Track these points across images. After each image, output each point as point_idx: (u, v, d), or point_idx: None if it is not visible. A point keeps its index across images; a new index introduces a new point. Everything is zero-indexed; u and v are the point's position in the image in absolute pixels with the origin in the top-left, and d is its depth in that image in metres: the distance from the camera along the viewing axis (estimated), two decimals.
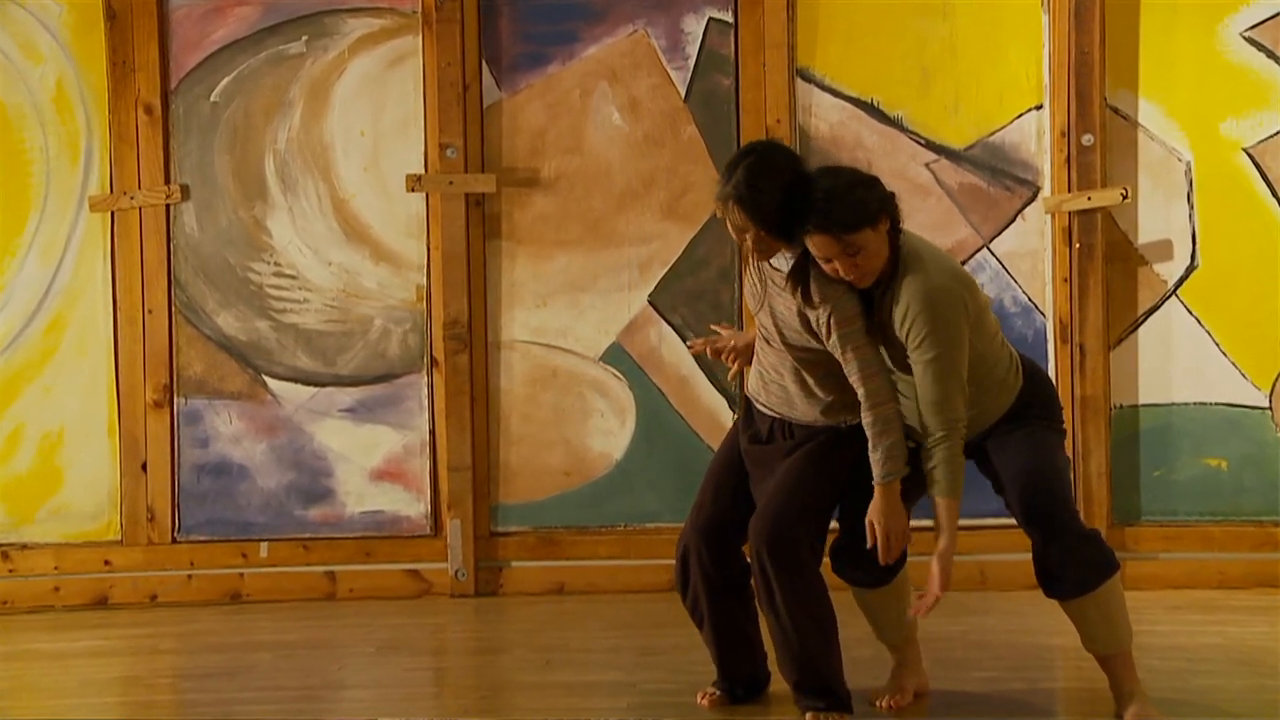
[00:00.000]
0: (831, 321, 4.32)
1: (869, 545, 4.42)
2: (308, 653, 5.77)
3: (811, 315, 4.36)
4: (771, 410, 4.59)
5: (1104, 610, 4.49)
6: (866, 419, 4.37)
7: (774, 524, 4.48)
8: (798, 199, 4.22)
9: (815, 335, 4.39)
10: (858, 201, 4.21)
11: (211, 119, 6.74)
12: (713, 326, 4.93)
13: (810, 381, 4.49)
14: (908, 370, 4.37)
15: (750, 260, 4.50)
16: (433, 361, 6.71)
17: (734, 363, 4.78)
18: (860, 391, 4.37)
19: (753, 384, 4.65)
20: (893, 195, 4.32)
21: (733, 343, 4.78)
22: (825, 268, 4.28)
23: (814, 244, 4.23)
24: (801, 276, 4.34)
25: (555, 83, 6.75)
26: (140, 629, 6.27)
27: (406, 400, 6.74)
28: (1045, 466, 4.48)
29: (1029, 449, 4.49)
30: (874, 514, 4.40)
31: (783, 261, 4.41)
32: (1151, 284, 6.54)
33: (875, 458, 4.37)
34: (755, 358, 4.65)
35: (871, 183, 4.31)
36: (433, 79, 6.66)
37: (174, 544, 6.71)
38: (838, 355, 4.36)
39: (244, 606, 6.64)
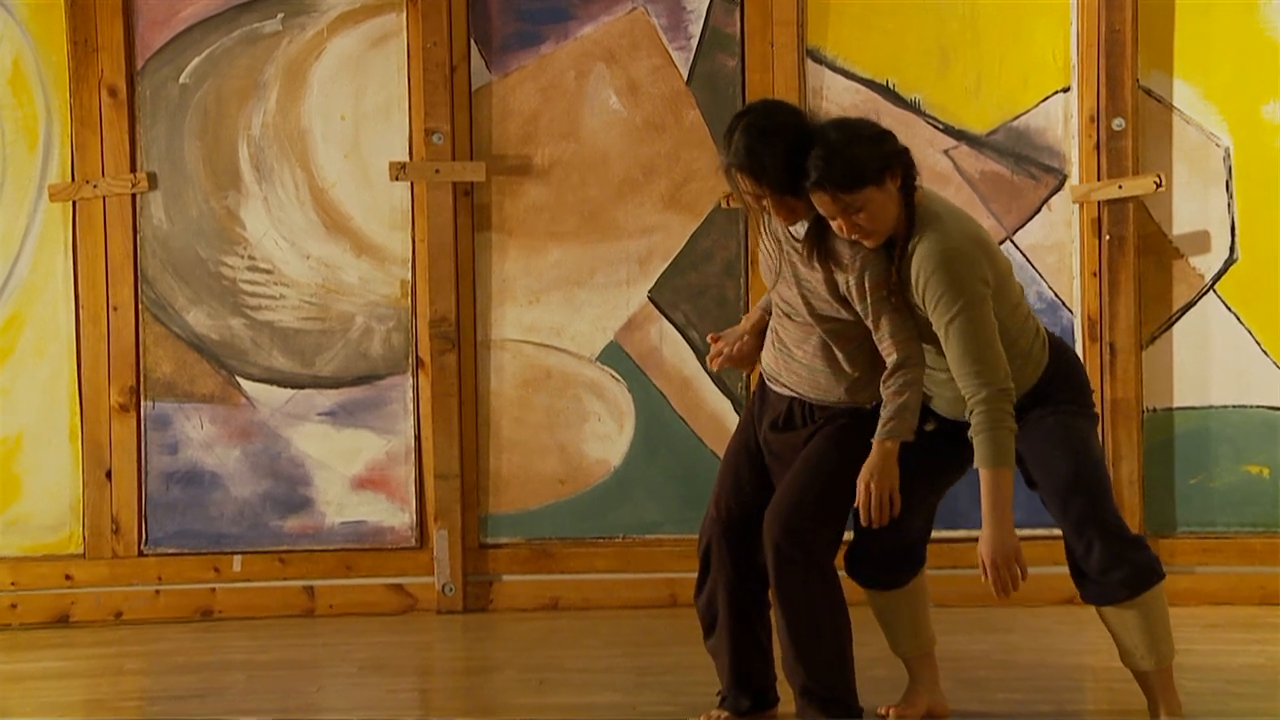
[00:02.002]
0: (866, 284, 4.34)
1: (856, 504, 4.43)
2: (284, 673, 5.76)
3: (840, 279, 4.38)
4: (791, 390, 4.59)
5: (1147, 620, 4.48)
6: (888, 382, 4.39)
7: (790, 516, 4.50)
8: (804, 154, 4.26)
9: (845, 302, 4.39)
10: (856, 159, 4.23)
11: (180, 102, 6.73)
12: (710, 338, 4.88)
13: (840, 356, 4.50)
14: (934, 340, 4.37)
15: (764, 230, 4.53)
16: (418, 362, 6.71)
17: (744, 367, 4.80)
18: (891, 359, 4.38)
19: (769, 363, 4.65)
20: (904, 151, 4.33)
21: (737, 346, 4.76)
22: (833, 225, 4.31)
23: (816, 201, 4.27)
24: (817, 239, 4.37)
25: (549, 64, 6.75)
26: (104, 649, 6.26)
27: (390, 403, 6.73)
28: (1084, 464, 4.47)
29: (1064, 444, 4.48)
30: (865, 472, 4.40)
31: (800, 229, 4.44)
32: (1187, 278, 6.54)
33: (884, 414, 4.39)
34: (772, 334, 4.65)
35: (878, 138, 4.32)
36: (418, 60, 6.65)
37: (141, 557, 6.70)
38: (868, 320, 4.38)
39: (216, 624, 6.62)
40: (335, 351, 6.75)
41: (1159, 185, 6.41)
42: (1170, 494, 6.53)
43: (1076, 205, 6.56)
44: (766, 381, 4.68)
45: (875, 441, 4.40)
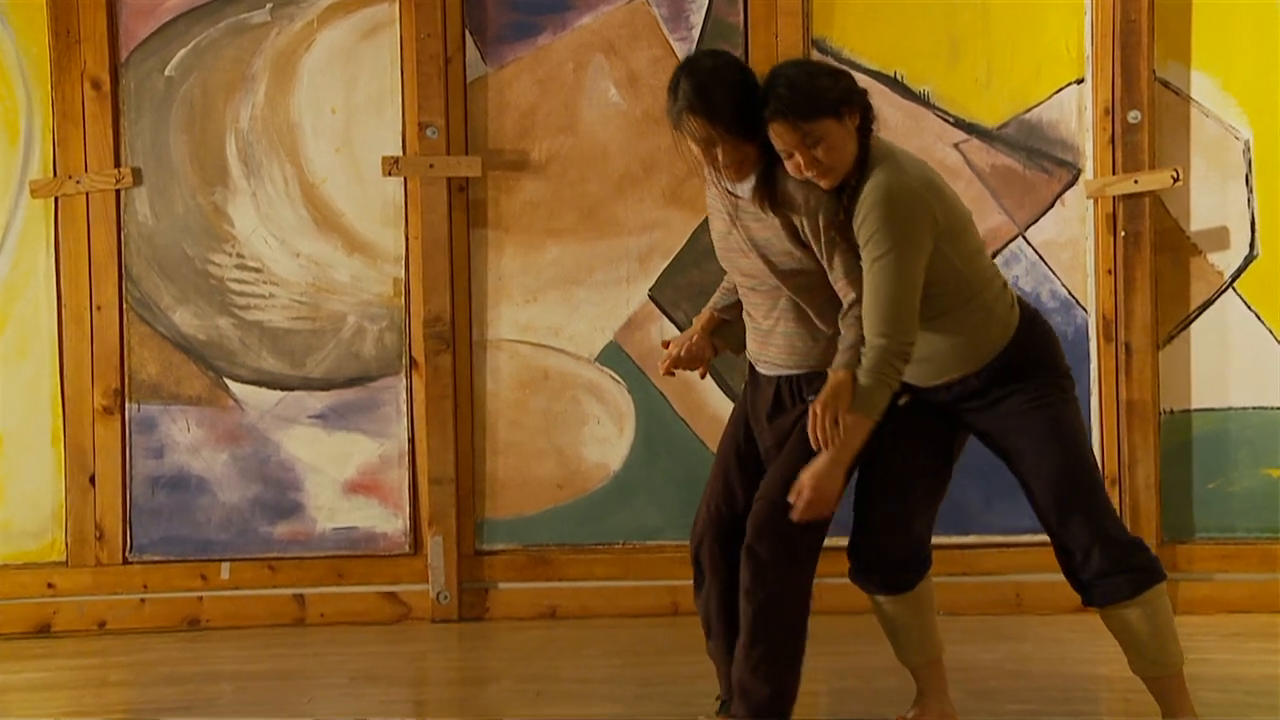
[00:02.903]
0: (820, 222, 4.37)
1: (809, 428, 4.39)
2: (274, 685, 5.74)
3: (798, 222, 4.40)
4: (778, 366, 4.58)
5: (1153, 622, 4.49)
6: (845, 319, 4.39)
7: (772, 512, 4.47)
8: (753, 91, 4.32)
9: (806, 247, 4.41)
10: (819, 89, 4.29)
11: (166, 95, 6.72)
12: (662, 344, 4.88)
13: (811, 314, 4.50)
14: None
15: (718, 195, 4.52)
16: (412, 363, 6.71)
17: (695, 367, 4.81)
18: (848, 298, 4.39)
19: (751, 347, 4.68)
20: (864, 92, 4.38)
21: (686, 347, 4.77)
22: (788, 165, 4.34)
23: (774, 134, 4.30)
24: (768, 187, 4.40)
25: (546, 55, 6.75)
26: (87, 659, 6.25)
27: (383, 405, 6.74)
28: (1077, 468, 4.47)
29: (1054, 444, 4.47)
30: (818, 400, 4.37)
31: (740, 187, 4.47)
32: (1205, 276, 6.53)
33: (840, 347, 4.38)
34: (747, 317, 4.66)
35: (838, 74, 4.39)
36: (411, 51, 6.66)
37: (125, 565, 6.70)
38: (824, 261, 4.39)
39: (203, 634, 6.62)
40: (326, 352, 6.75)
41: (1176, 179, 6.39)
42: (1188, 498, 6.51)
43: (1091, 200, 6.55)
44: (753, 366, 4.68)
45: (830, 371, 4.38)
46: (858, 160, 4.33)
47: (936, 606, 4.84)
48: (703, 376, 4.89)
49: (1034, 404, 4.49)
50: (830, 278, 4.41)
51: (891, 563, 4.65)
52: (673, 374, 4.84)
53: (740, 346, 4.75)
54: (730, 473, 4.71)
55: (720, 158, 4.36)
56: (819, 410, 4.35)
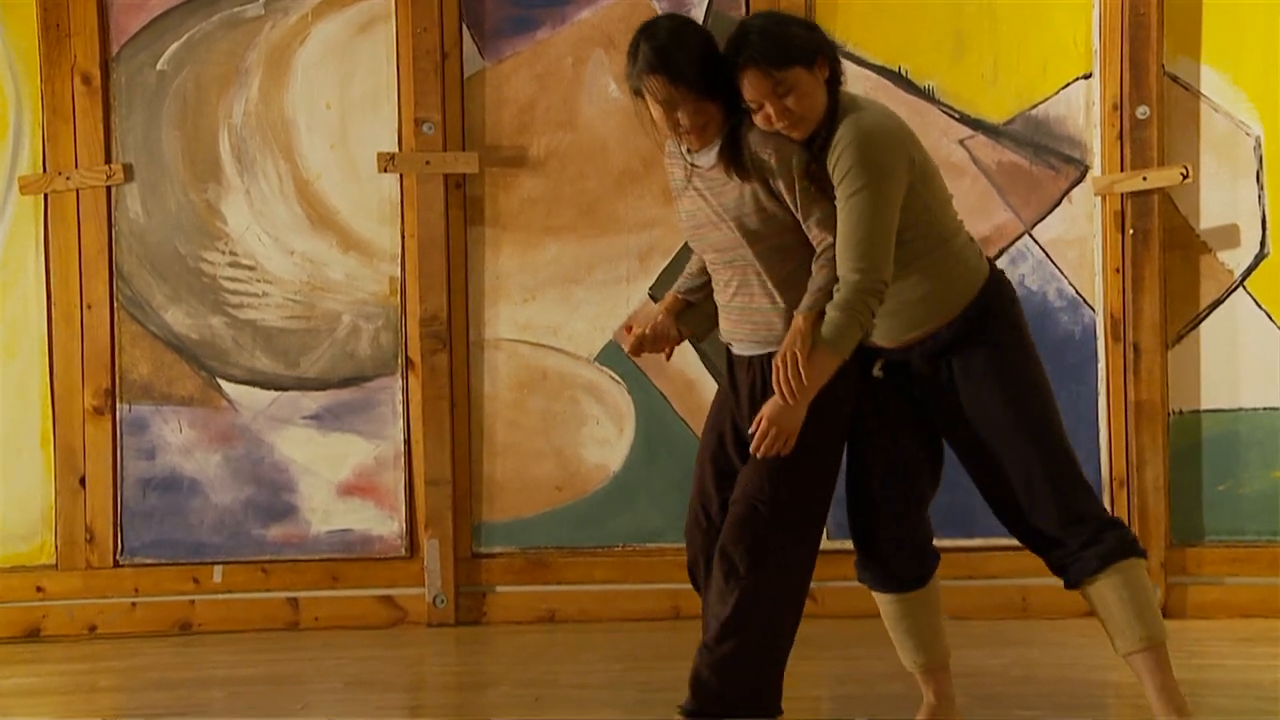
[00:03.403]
0: (792, 173, 4.35)
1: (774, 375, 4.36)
2: (267, 690, 5.73)
3: (770, 181, 4.37)
4: (753, 344, 4.54)
5: (1130, 593, 4.47)
6: (817, 260, 4.36)
7: (750, 515, 4.43)
8: (714, 50, 4.34)
9: (779, 199, 4.38)
10: (791, 36, 4.32)
11: (158, 90, 6.73)
12: (624, 327, 4.85)
13: (784, 277, 4.44)
14: None
15: (682, 170, 4.49)
16: (408, 363, 6.71)
17: (661, 347, 4.75)
18: (823, 243, 4.36)
19: (726, 327, 4.62)
20: (834, 45, 4.40)
21: (651, 327, 4.73)
22: (759, 118, 4.33)
23: (746, 83, 4.30)
24: (733, 151, 4.38)
25: (545, 50, 6.75)
26: (77, 664, 6.24)
27: (378, 406, 6.74)
28: (1052, 448, 4.47)
29: (1022, 418, 4.46)
30: (781, 348, 4.34)
31: (703, 157, 4.43)
32: (1215, 274, 6.52)
33: (808, 289, 4.36)
34: (718, 295, 4.60)
35: (808, 24, 4.45)
36: (407, 46, 6.66)
37: (116, 568, 6.71)
38: (800, 213, 4.37)
39: (195, 638, 6.62)
40: (321, 352, 6.75)
41: (1185, 176, 6.39)
42: (1197, 501, 6.50)
43: (1099, 198, 6.55)
44: (730, 349, 4.63)
45: (797, 313, 4.35)
46: (828, 112, 4.34)
47: (943, 611, 4.82)
48: (668, 358, 4.83)
49: (986, 351, 4.49)
50: (805, 227, 4.38)
51: (900, 554, 4.63)
52: (637, 356, 4.80)
53: (706, 332, 4.71)
54: (706, 480, 4.64)
55: (683, 121, 4.33)
56: (780, 361, 4.32)
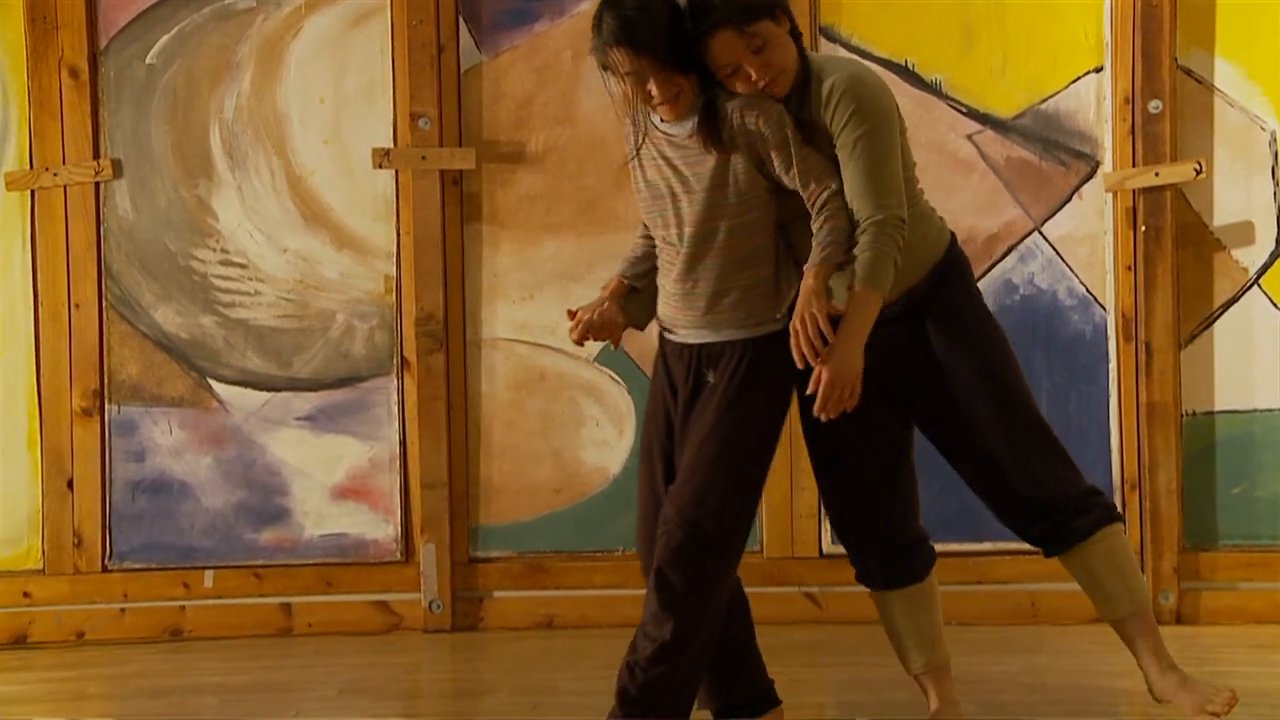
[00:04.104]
0: (784, 133, 4.36)
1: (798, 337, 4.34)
2: (259, 697, 5.73)
3: (757, 146, 4.37)
4: (696, 330, 4.51)
5: (1121, 558, 4.58)
6: (820, 212, 4.36)
7: (686, 536, 4.43)
8: (681, 20, 4.34)
9: (762, 170, 4.39)
10: None
11: (147, 84, 6.73)
12: (567, 312, 4.81)
13: (742, 257, 4.45)
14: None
15: (646, 136, 4.48)
16: (403, 363, 6.71)
17: (607, 335, 4.73)
18: (825, 192, 4.36)
19: (668, 313, 4.59)
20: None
21: (598, 313, 4.70)
22: (737, 81, 4.36)
23: (718, 46, 4.32)
24: (712, 122, 4.38)
25: (543, 43, 6.75)
26: (65, 671, 6.25)
27: (373, 407, 6.73)
28: (1024, 417, 4.53)
29: (995, 381, 4.53)
30: (798, 306, 4.33)
31: (677, 127, 4.43)
32: (1229, 272, 6.51)
33: (817, 242, 4.36)
34: (662, 275, 4.58)
35: None
36: (402, 39, 6.66)
37: (104, 573, 6.71)
38: (790, 174, 4.37)
39: (186, 644, 6.62)
40: (314, 352, 6.75)
41: (1199, 172, 6.38)
42: (1211, 504, 6.49)
43: (1110, 194, 6.54)
44: (666, 335, 4.59)
45: (807, 270, 4.35)
46: (799, 66, 4.40)
47: (941, 611, 4.82)
48: (615, 347, 4.81)
49: (952, 324, 4.55)
50: (800, 182, 4.38)
51: (890, 550, 4.65)
52: (583, 344, 4.78)
53: (648, 319, 4.69)
54: (657, 488, 4.61)
55: (654, 92, 4.33)
56: (799, 323, 4.30)
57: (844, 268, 4.36)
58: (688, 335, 4.54)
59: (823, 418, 4.33)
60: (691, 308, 4.51)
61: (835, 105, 4.34)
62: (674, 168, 4.46)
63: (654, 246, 4.62)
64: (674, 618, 4.46)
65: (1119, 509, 4.61)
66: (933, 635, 4.79)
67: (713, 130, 4.38)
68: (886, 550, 4.66)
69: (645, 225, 4.65)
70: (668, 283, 4.57)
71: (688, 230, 4.47)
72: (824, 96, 4.35)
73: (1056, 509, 4.52)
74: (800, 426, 4.67)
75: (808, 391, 4.35)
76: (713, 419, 4.46)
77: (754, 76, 4.34)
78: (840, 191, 4.37)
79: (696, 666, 4.53)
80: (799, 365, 4.34)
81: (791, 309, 4.41)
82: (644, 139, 4.48)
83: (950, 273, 4.58)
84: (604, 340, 4.70)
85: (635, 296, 4.69)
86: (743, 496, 4.50)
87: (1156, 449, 6.45)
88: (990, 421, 4.53)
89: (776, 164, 4.38)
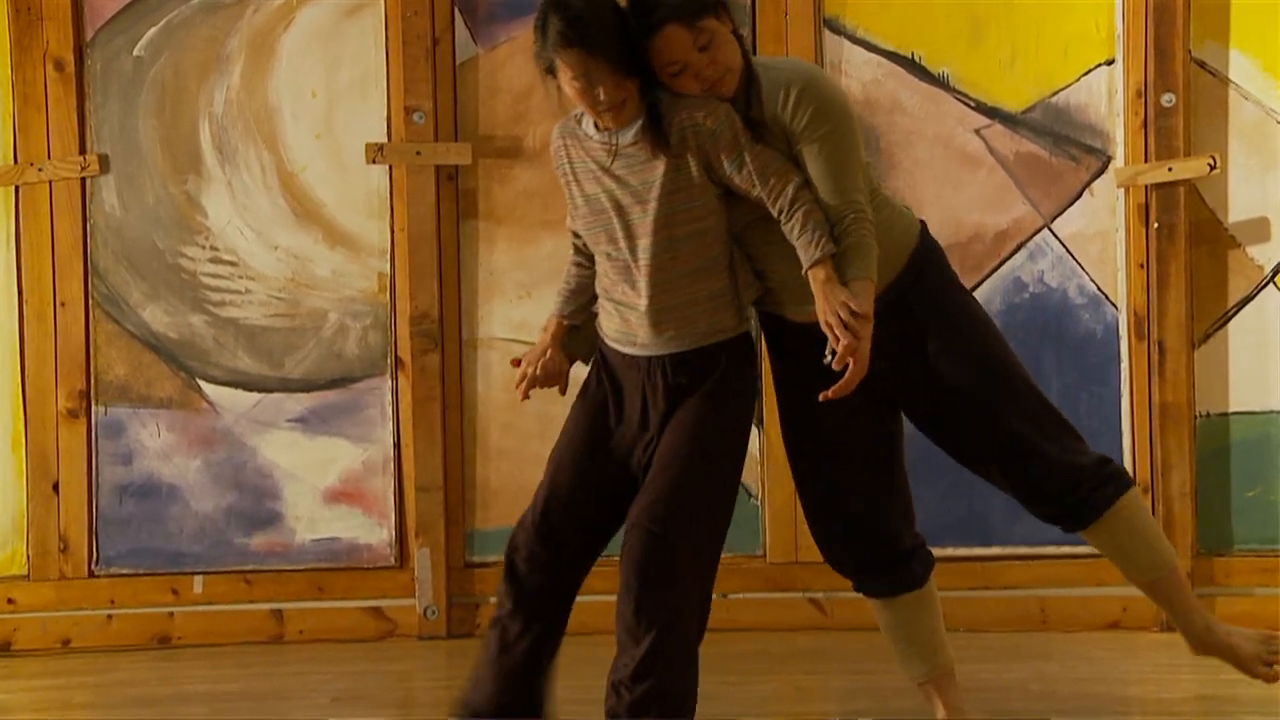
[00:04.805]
0: (732, 134, 4.32)
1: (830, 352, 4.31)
2: (250, 706, 5.71)
3: (710, 143, 4.33)
4: (656, 344, 4.46)
5: (1138, 525, 4.59)
6: (791, 212, 4.32)
7: (661, 548, 4.39)
8: (627, 22, 4.32)
9: (711, 173, 4.35)
10: None
11: (135, 77, 6.73)
12: (511, 363, 4.78)
13: (696, 269, 4.41)
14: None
15: (585, 147, 4.43)
16: (397, 363, 6.71)
17: (553, 384, 4.72)
18: (789, 188, 4.32)
19: (617, 325, 4.53)
20: None
21: (542, 364, 4.69)
22: (684, 81, 4.33)
23: (664, 43, 4.31)
24: (657, 125, 4.34)
25: None
26: (50, 679, 6.23)
27: (367, 408, 6.74)
28: (1021, 393, 4.54)
29: (991, 381, 4.53)
30: (831, 309, 4.26)
31: (618, 135, 4.37)
32: (1245, 270, 6.51)
33: (802, 241, 4.31)
34: (609, 290, 4.53)
35: None
36: (396, 31, 6.66)
37: (91, 579, 6.70)
38: (744, 172, 4.33)
39: (174, 652, 6.62)
40: (306, 352, 6.74)
41: (1213, 167, 6.37)
42: (1226, 508, 6.49)
43: (1122, 190, 6.54)
44: (614, 349, 4.53)
45: (812, 268, 4.30)
46: (744, 66, 4.39)
47: (942, 616, 4.81)
48: (563, 392, 4.76)
49: (960, 312, 4.57)
50: (758, 181, 4.34)
51: (886, 556, 4.63)
52: (527, 398, 4.74)
53: (590, 354, 4.65)
54: (574, 486, 4.60)
55: (602, 97, 4.27)
56: (834, 317, 4.23)
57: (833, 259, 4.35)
58: (646, 349, 4.49)
59: (830, 395, 4.31)
60: (650, 323, 4.44)
61: (794, 104, 4.34)
62: (616, 178, 4.40)
63: (588, 274, 4.56)
64: (650, 633, 4.44)
65: (1123, 468, 4.59)
66: (935, 642, 4.78)
67: (659, 133, 4.33)
68: (885, 557, 4.64)
69: (577, 250, 4.59)
70: (617, 297, 4.50)
71: (642, 242, 4.40)
72: (781, 97, 4.35)
73: (1072, 486, 4.52)
74: (786, 432, 4.65)
75: (835, 367, 4.30)
76: (690, 424, 4.43)
77: (702, 75, 4.33)
78: (806, 184, 4.34)
79: (685, 670, 4.49)
80: (836, 365, 4.31)
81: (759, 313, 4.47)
82: (609, 153, 4.41)
83: (926, 262, 4.57)
84: (549, 387, 4.66)
85: (577, 334, 4.64)
86: (715, 500, 4.46)
87: (1169, 451, 6.44)
88: (993, 410, 4.52)
89: (726, 165, 4.34)
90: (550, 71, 4.30)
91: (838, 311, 4.28)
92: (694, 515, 4.40)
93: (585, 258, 4.58)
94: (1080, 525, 4.58)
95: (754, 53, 6.56)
